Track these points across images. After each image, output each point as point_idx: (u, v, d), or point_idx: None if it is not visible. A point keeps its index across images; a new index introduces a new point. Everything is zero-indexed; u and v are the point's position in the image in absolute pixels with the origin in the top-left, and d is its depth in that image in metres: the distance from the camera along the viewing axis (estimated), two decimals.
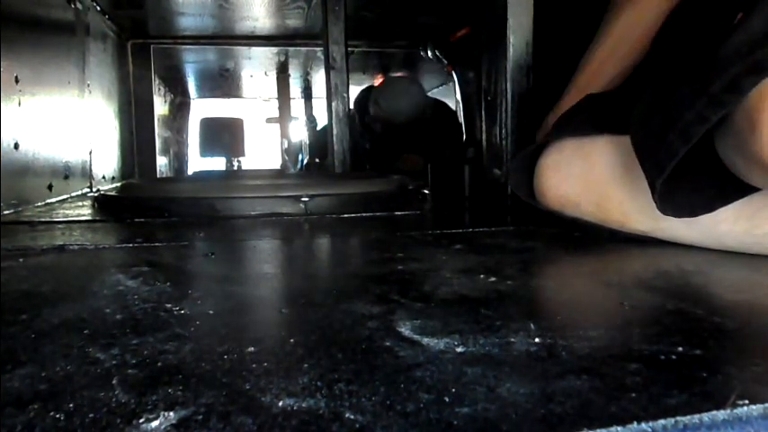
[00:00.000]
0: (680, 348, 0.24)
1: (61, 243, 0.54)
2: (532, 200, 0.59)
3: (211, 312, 0.32)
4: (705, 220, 0.45)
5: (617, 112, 0.53)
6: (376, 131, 1.44)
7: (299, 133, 2.37)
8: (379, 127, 1.41)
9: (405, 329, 0.27)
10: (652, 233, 0.50)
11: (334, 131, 1.19)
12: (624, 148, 0.50)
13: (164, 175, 2.00)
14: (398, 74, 1.91)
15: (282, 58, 1.90)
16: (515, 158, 0.63)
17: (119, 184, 1.13)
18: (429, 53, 1.23)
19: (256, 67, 2.01)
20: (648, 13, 0.77)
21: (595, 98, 0.60)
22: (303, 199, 0.72)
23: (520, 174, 0.61)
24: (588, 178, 0.53)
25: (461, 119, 1.41)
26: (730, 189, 0.43)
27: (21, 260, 0.46)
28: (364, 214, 0.74)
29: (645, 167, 0.44)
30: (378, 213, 0.74)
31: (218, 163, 2.82)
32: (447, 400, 0.20)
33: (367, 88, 1.65)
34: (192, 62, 1.97)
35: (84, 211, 0.80)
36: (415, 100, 1.36)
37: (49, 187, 0.93)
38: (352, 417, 0.19)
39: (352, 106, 1.60)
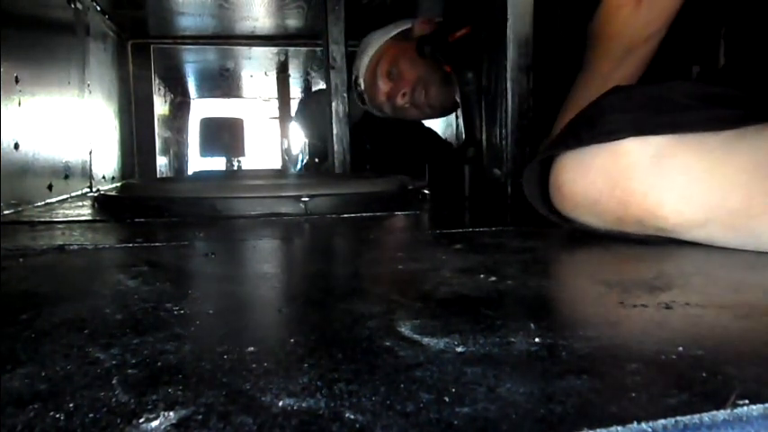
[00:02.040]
0: (680, 348, 0.24)
1: (61, 243, 0.54)
2: (541, 203, 0.56)
3: (211, 312, 0.32)
4: (737, 217, 0.44)
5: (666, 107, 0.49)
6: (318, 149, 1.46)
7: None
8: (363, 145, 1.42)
9: (405, 329, 0.27)
10: (674, 232, 0.48)
11: (334, 131, 1.19)
12: (657, 139, 0.48)
13: (164, 175, 2.00)
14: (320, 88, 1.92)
15: (282, 58, 1.90)
16: (530, 162, 0.58)
17: (119, 184, 1.13)
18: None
19: (256, 67, 2.01)
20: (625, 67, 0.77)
21: (624, 94, 0.54)
22: (303, 199, 0.72)
23: (533, 174, 0.57)
24: (612, 171, 0.49)
25: (461, 119, 1.41)
26: None
27: (21, 260, 0.46)
28: (364, 214, 0.74)
29: None
30: (378, 213, 0.74)
31: (218, 163, 2.82)
32: (447, 400, 0.20)
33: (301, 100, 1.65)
34: (192, 62, 1.97)
35: (84, 211, 0.80)
36: (324, 117, 1.33)
37: (49, 187, 0.93)
38: (352, 417, 0.19)
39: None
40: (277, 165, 2.50)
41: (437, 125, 1.84)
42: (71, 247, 0.52)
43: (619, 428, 0.18)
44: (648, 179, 0.48)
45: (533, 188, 0.57)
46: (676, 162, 0.47)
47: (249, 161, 2.88)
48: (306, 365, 0.23)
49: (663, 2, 0.75)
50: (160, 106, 1.99)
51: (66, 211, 0.80)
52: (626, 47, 0.78)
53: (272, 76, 2.13)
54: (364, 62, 1.28)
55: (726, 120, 0.46)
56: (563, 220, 0.54)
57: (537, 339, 0.26)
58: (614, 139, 0.49)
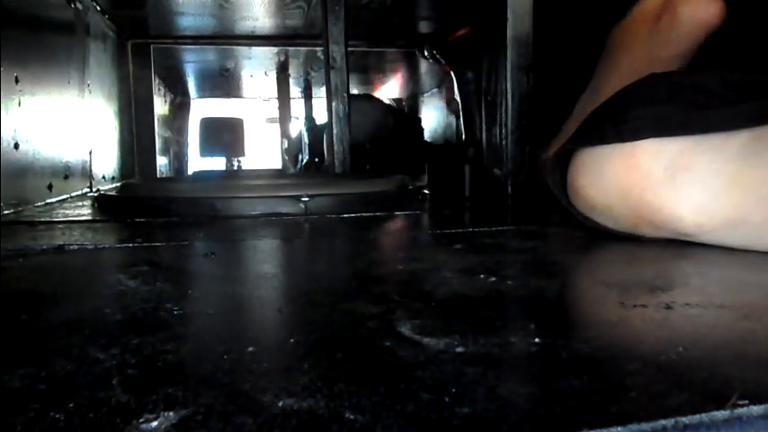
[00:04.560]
0: (680, 348, 0.24)
1: (61, 243, 0.54)
2: (564, 196, 0.54)
3: (211, 312, 0.32)
4: (760, 229, 0.42)
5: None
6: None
7: (299, 133, 2.37)
8: (368, 146, 1.43)
9: (405, 329, 0.27)
10: (692, 236, 0.46)
11: (334, 131, 1.19)
12: (673, 145, 0.45)
13: (164, 175, 2.00)
14: (356, 92, 1.93)
15: (282, 58, 1.90)
16: (553, 156, 0.56)
17: (119, 184, 1.13)
18: (426, 54, 1.23)
19: (256, 67, 2.01)
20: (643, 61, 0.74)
21: (655, 82, 0.51)
22: (303, 199, 0.72)
23: (555, 171, 0.55)
24: (624, 182, 0.47)
25: (461, 119, 1.41)
26: None
27: (21, 260, 0.46)
28: (364, 214, 0.74)
29: None
30: (378, 213, 0.74)
31: (218, 163, 2.82)
32: (447, 400, 0.20)
33: None
34: (192, 62, 1.97)
35: (84, 211, 0.80)
36: (373, 121, 1.36)
37: (49, 187, 0.93)
38: (352, 417, 0.19)
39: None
40: (277, 165, 2.50)
41: (437, 125, 1.85)
42: (71, 247, 0.52)
43: (619, 428, 0.18)
44: (663, 192, 0.45)
45: (557, 180, 0.55)
46: (692, 176, 0.44)
47: (249, 161, 2.87)
48: (306, 365, 0.23)
49: (681, 29, 0.71)
50: (160, 106, 1.99)
51: (66, 211, 0.79)
52: (636, 67, 0.75)
53: (272, 76, 2.13)
54: None
55: (754, 115, 0.43)
56: (583, 217, 0.53)
57: (537, 339, 0.26)
58: (637, 139, 0.46)
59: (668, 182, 0.45)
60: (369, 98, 1.56)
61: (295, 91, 2.35)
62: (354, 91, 1.86)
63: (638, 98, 0.49)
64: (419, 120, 1.72)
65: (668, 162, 0.45)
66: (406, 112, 1.81)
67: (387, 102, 1.66)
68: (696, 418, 0.18)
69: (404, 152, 1.43)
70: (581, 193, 0.51)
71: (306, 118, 2.29)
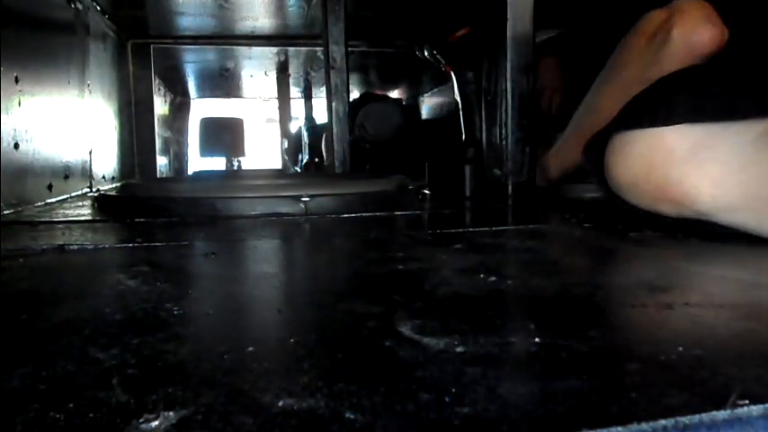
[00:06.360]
0: (680, 348, 0.24)
1: (61, 243, 0.54)
2: (601, 179, 0.58)
3: (211, 312, 0.32)
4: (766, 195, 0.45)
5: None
6: (363, 148, 1.46)
7: (299, 133, 2.37)
8: (367, 146, 1.43)
9: (405, 329, 0.27)
10: (709, 215, 0.49)
11: (334, 131, 1.19)
12: (699, 128, 0.49)
13: (164, 175, 2.00)
14: (376, 92, 1.93)
15: (282, 58, 1.90)
16: (592, 139, 0.60)
17: (119, 184, 1.13)
18: (426, 54, 1.22)
19: (256, 67, 2.01)
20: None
21: (693, 73, 0.56)
22: (303, 199, 0.72)
23: (593, 153, 0.59)
24: (649, 159, 0.51)
25: (461, 119, 1.41)
26: None
27: (21, 260, 0.46)
28: (364, 214, 0.74)
29: None
30: (378, 213, 0.74)
31: (218, 163, 2.82)
32: (447, 400, 0.20)
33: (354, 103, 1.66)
34: (192, 62, 1.97)
35: (84, 211, 0.80)
36: (398, 120, 1.39)
37: (49, 187, 0.93)
38: (352, 417, 0.19)
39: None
40: (277, 165, 2.50)
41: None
42: (71, 247, 0.52)
43: (619, 428, 0.18)
44: (684, 168, 0.49)
45: (593, 161, 0.59)
46: (713, 154, 0.48)
47: (249, 161, 2.87)
48: (306, 365, 0.23)
49: (671, 50, 0.71)
50: (160, 106, 1.99)
51: (67, 211, 0.79)
52: (626, 83, 0.73)
53: (272, 76, 2.13)
54: None
55: None
56: (612, 195, 0.57)
57: (537, 339, 0.26)
58: (669, 124, 0.50)
59: (691, 159, 0.49)
60: (388, 99, 1.57)
61: (295, 91, 2.35)
62: (354, 91, 1.86)
63: (676, 85, 0.53)
64: (423, 119, 1.72)
65: (693, 142, 0.49)
66: (416, 110, 1.82)
67: (402, 101, 1.67)
68: (696, 418, 0.18)
69: (408, 151, 1.44)
70: (612, 171, 0.55)
71: (306, 118, 2.29)
